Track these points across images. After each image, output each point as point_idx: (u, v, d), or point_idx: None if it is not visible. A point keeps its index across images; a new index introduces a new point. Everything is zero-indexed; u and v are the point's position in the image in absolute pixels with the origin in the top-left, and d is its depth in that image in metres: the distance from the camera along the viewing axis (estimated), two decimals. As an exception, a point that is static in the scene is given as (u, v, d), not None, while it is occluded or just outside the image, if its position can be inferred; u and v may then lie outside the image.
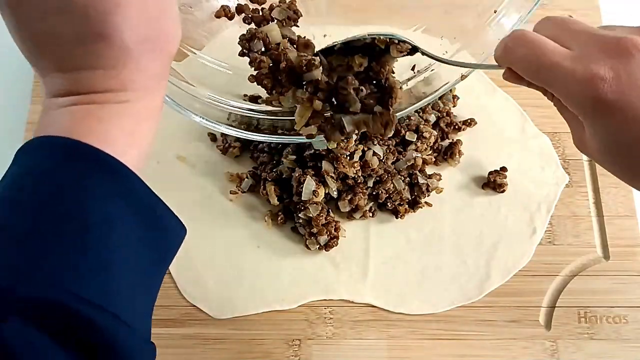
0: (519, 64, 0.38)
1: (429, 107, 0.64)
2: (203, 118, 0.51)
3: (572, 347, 0.57)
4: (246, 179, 0.62)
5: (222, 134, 0.66)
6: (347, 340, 0.57)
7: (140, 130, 0.35)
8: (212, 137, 0.66)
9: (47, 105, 0.35)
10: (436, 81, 0.56)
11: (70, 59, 0.34)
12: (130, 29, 0.33)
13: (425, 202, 0.62)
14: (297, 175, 0.59)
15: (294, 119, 0.50)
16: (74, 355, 0.29)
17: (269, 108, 0.55)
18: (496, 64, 0.41)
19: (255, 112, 0.55)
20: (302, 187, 0.58)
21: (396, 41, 0.48)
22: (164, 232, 0.36)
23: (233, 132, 0.53)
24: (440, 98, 0.66)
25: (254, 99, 0.59)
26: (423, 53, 0.47)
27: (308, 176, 0.58)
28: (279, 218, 0.61)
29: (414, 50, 0.48)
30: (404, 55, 0.48)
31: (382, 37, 0.47)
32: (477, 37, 0.53)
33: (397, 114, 0.55)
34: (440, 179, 0.63)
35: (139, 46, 0.34)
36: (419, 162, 0.61)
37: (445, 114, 0.65)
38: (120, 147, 0.34)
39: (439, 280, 0.59)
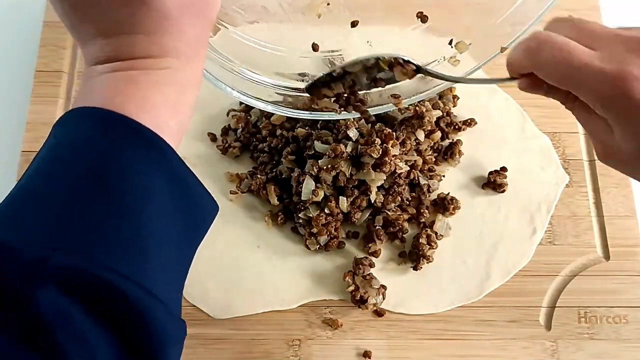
0: (544, 67, 0.37)
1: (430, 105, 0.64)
2: (240, 92, 0.51)
3: (572, 347, 0.57)
4: (246, 179, 0.62)
5: (222, 134, 0.66)
6: (347, 340, 0.57)
7: (181, 98, 0.35)
8: (212, 137, 0.66)
9: (87, 74, 0.35)
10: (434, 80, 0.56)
11: (110, 23, 0.34)
12: None
13: (426, 202, 0.62)
14: (296, 175, 0.59)
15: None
16: (106, 327, 0.29)
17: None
18: (507, 76, 0.40)
19: (293, 89, 0.56)
20: (301, 187, 0.58)
21: (401, 61, 0.48)
22: (198, 206, 0.36)
23: (271, 108, 0.53)
24: (440, 98, 0.66)
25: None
26: (427, 73, 0.47)
27: (307, 176, 0.58)
28: (279, 218, 0.61)
29: (418, 70, 0.47)
30: (407, 78, 0.48)
31: (386, 57, 0.48)
32: (483, 39, 0.53)
33: (418, 96, 0.55)
34: (441, 180, 0.63)
35: (180, 11, 0.34)
36: (420, 162, 0.61)
37: (445, 114, 0.65)
38: (160, 115, 0.34)
39: (439, 280, 0.59)
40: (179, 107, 0.35)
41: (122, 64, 0.34)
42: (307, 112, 0.54)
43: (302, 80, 0.55)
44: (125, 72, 0.34)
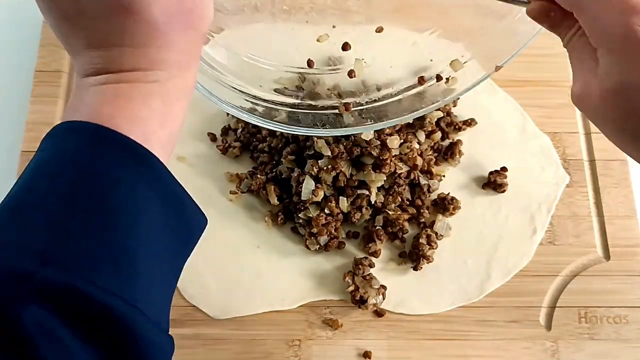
0: None
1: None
2: (228, 105, 0.50)
3: (572, 348, 0.57)
4: (246, 179, 0.62)
5: (222, 134, 0.66)
6: (347, 340, 0.57)
7: (170, 110, 0.35)
8: (212, 137, 0.65)
9: (78, 86, 0.35)
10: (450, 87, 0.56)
11: (99, 35, 0.33)
12: (158, 3, 0.33)
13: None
14: (296, 175, 0.59)
15: (310, 112, 0.53)
16: (94, 345, 0.29)
17: (292, 101, 0.56)
18: None
19: (278, 103, 0.55)
20: (301, 187, 0.58)
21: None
22: (187, 221, 0.36)
23: (255, 120, 0.53)
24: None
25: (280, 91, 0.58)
26: None
27: (307, 176, 0.58)
28: (279, 218, 0.61)
29: None
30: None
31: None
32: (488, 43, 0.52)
33: (407, 117, 0.55)
34: (441, 180, 0.63)
35: (168, 23, 0.33)
36: (420, 162, 0.61)
37: (445, 114, 0.65)
38: (149, 127, 0.33)
39: (439, 280, 0.59)
40: (168, 118, 0.35)
41: (111, 76, 0.34)
42: (285, 125, 0.53)
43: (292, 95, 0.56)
44: (114, 85, 0.33)
